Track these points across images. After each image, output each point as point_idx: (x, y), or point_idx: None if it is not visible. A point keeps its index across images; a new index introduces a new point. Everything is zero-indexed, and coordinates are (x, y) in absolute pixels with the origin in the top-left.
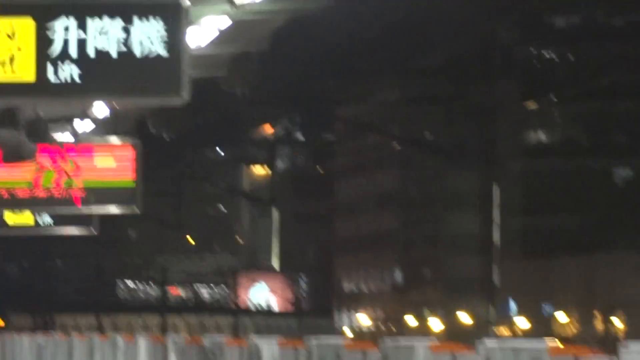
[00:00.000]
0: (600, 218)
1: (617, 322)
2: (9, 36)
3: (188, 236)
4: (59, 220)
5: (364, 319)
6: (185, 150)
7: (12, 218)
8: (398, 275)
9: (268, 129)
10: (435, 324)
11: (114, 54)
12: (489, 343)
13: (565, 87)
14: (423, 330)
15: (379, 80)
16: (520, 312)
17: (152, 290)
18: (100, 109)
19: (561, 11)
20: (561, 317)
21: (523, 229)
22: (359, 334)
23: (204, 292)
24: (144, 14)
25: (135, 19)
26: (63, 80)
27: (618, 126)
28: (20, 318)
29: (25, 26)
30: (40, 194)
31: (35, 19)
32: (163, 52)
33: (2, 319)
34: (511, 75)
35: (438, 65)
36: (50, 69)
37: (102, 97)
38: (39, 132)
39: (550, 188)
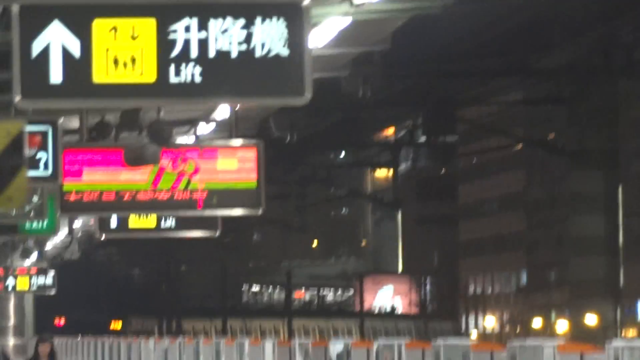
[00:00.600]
0: None
1: None
2: (132, 37)
3: (314, 240)
4: (181, 223)
5: (489, 322)
6: (308, 152)
7: (135, 221)
8: (523, 277)
9: (390, 131)
10: (561, 326)
11: (235, 54)
12: (617, 343)
13: None
14: (549, 332)
15: (502, 81)
16: None
17: (277, 294)
18: (223, 110)
19: None
20: None
21: None
22: (485, 336)
23: (329, 295)
24: (267, 13)
25: (258, 19)
26: (183, 81)
27: None
28: (146, 322)
29: (147, 27)
30: (162, 196)
31: (157, 19)
32: (285, 52)
33: (126, 323)
34: (634, 75)
35: (561, 66)
36: (171, 69)
37: (224, 98)
38: (161, 134)
39: None
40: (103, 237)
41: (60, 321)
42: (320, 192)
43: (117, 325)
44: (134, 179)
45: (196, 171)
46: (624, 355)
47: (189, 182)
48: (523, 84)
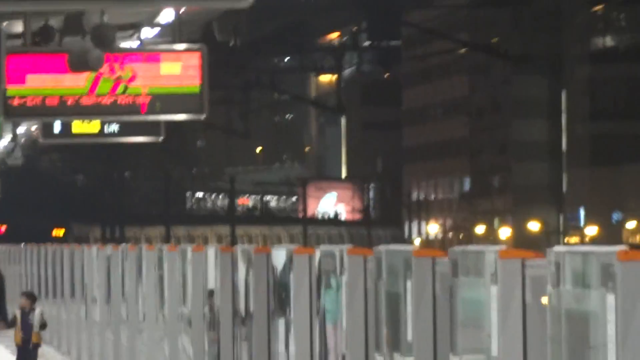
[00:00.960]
0: None
1: None
2: None
3: (257, 146)
4: (125, 128)
5: (432, 228)
6: (252, 57)
7: (79, 127)
8: (467, 184)
9: (335, 36)
10: (504, 233)
11: None
12: (559, 249)
13: None
14: (492, 239)
15: None
16: (589, 221)
17: (221, 201)
18: (167, 14)
19: None
20: (631, 224)
21: (592, 136)
22: (428, 242)
23: (273, 202)
24: None
25: None
26: None
27: None
28: (89, 230)
29: None
30: (105, 101)
31: None
32: None
33: (69, 230)
34: None
35: None
36: None
37: (168, 1)
38: (105, 39)
39: (619, 93)
40: (46, 142)
41: (1, 228)
42: (264, 97)
43: (59, 232)
44: (76, 84)
45: (133, 77)
46: (565, 260)
47: (126, 88)
48: None
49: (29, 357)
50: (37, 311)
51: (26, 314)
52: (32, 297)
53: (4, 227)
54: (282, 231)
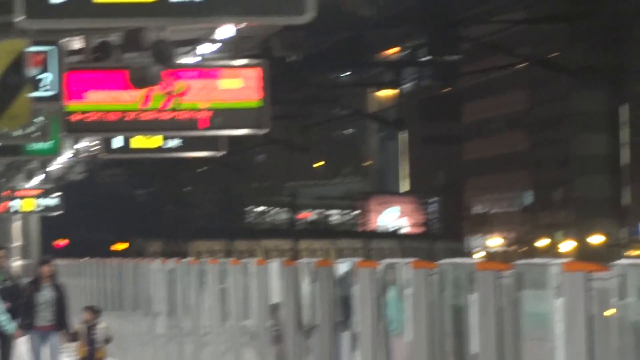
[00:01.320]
0: None
1: None
2: None
3: (318, 160)
4: (186, 143)
5: (494, 242)
6: (312, 72)
7: (139, 141)
8: (528, 197)
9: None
10: (567, 246)
11: None
12: (623, 262)
13: None
14: (554, 252)
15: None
16: None
17: (282, 215)
18: (226, 30)
19: None
20: None
21: None
22: (490, 256)
23: (334, 216)
24: None
25: None
26: (184, 0)
27: None
28: (151, 244)
29: None
30: (165, 116)
31: None
32: None
33: (131, 245)
34: None
35: None
36: None
37: (225, 17)
38: (164, 55)
39: None
40: (107, 157)
41: (63, 243)
42: (325, 112)
43: (121, 246)
44: (133, 100)
45: (187, 92)
46: (629, 274)
47: (180, 103)
48: (526, 2)
49: None
50: (102, 325)
51: (90, 328)
52: (95, 311)
53: (66, 241)
54: (344, 244)
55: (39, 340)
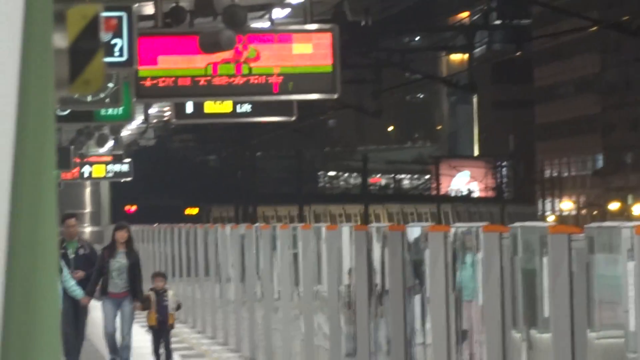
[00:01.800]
0: None
1: None
2: None
3: (389, 125)
4: (257, 108)
5: (566, 205)
6: (383, 37)
7: (211, 107)
8: (599, 160)
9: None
10: (638, 210)
11: None
12: None
13: None
14: (626, 215)
15: None
16: None
17: (353, 180)
18: None
19: None
20: None
21: None
22: (561, 219)
23: (405, 180)
24: None
25: None
26: None
27: None
28: (222, 209)
29: None
30: (237, 81)
31: None
32: None
33: (202, 210)
34: None
35: None
36: None
37: None
38: (236, 19)
39: None
40: (179, 123)
41: (132, 209)
42: (396, 76)
43: (192, 211)
44: (206, 64)
45: (258, 57)
46: None
47: (251, 69)
48: None
49: (164, 338)
50: (171, 292)
51: (160, 294)
52: (165, 278)
53: (134, 208)
54: (415, 209)
55: (112, 308)
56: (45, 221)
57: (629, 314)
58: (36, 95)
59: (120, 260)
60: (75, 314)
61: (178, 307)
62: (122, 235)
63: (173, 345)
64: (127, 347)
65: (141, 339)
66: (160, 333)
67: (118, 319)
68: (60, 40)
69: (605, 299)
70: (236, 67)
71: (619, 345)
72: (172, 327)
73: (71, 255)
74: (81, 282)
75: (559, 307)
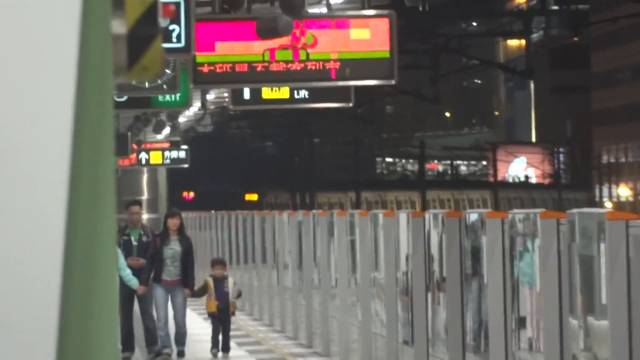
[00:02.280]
0: None
1: None
2: None
3: (446, 111)
4: (315, 94)
5: (623, 191)
6: (440, 22)
7: (268, 93)
8: None
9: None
10: None
11: None
12: None
13: None
14: None
15: None
16: None
17: (411, 166)
18: None
19: None
20: None
21: None
22: (619, 205)
23: (462, 166)
24: None
25: None
26: None
27: None
28: (279, 196)
29: None
30: (295, 67)
31: None
32: None
33: (260, 197)
34: None
35: None
36: None
37: None
38: (293, 5)
39: None
40: (236, 109)
41: (190, 195)
42: (453, 62)
43: (252, 197)
44: (263, 50)
45: (316, 43)
46: None
47: (308, 55)
48: None
49: (224, 326)
50: (231, 280)
51: (220, 281)
52: (224, 265)
53: (191, 194)
54: (472, 195)
55: (164, 295)
56: (104, 208)
57: None
58: (94, 82)
59: (173, 247)
60: (131, 304)
61: (239, 295)
62: (174, 222)
63: (230, 333)
64: (182, 334)
65: (198, 326)
66: (220, 321)
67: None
68: (119, 27)
69: None
70: (293, 53)
71: None
72: (233, 314)
73: (134, 243)
74: (141, 270)
75: (616, 294)
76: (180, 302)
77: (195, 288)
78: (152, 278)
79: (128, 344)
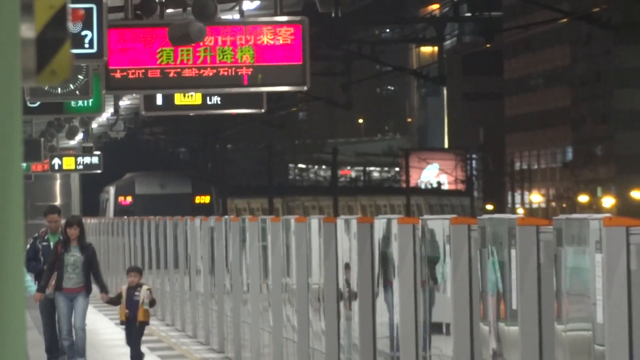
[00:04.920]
0: None
1: None
2: None
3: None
4: (227, 100)
5: (535, 198)
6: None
7: (181, 99)
8: (569, 153)
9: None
10: (608, 202)
11: None
12: None
13: None
14: (595, 208)
15: None
16: None
17: (323, 172)
18: None
19: None
20: None
21: None
22: (531, 212)
23: (375, 172)
24: None
25: None
26: None
27: None
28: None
29: None
30: (207, 73)
31: None
32: None
33: None
34: None
35: None
36: None
37: None
38: (206, 11)
39: None
40: (149, 115)
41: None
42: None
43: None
44: (177, 57)
45: (233, 50)
46: None
47: (219, 61)
48: None
49: (135, 335)
50: (145, 287)
51: (132, 289)
52: (140, 272)
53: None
54: (384, 202)
55: (66, 303)
56: (12, 213)
57: (597, 307)
58: (2, 86)
59: (75, 254)
60: (53, 311)
61: (152, 304)
62: (72, 232)
63: (142, 339)
64: (81, 340)
65: (111, 331)
66: (131, 329)
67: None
68: (27, 31)
69: (573, 291)
70: (206, 59)
71: (586, 338)
72: (145, 323)
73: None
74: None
75: (527, 300)
76: (81, 308)
77: (112, 296)
78: (54, 286)
79: (53, 350)
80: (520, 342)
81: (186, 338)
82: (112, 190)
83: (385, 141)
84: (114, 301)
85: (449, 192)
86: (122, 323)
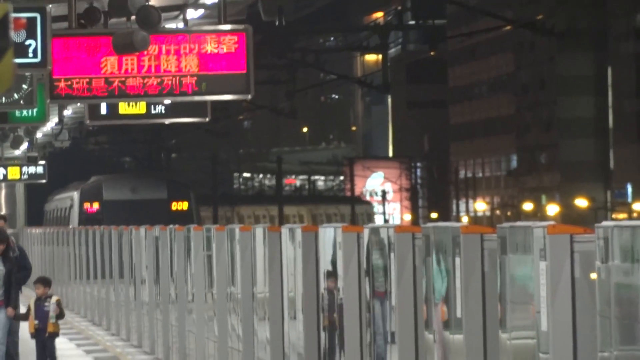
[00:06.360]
0: None
1: None
2: None
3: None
4: (171, 109)
5: (480, 206)
6: (297, 37)
7: (125, 108)
8: (514, 161)
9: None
10: (552, 210)
11: None
12: (607, 224)
13: None
14: (539, 216)
15: None
16: (637, 197)
17: (268, 181)
18: None
19: None
20: None
21: (638, 112)
22: (476, 219)
23: (320, 181)
24: None
25: None
26: None
27: None
28: None
29: None
30: (151, 82)
31: None
32: None
33: None
34: None
35: None
36: None
37: None
38: (150, 20)
39: None
40: (93, 124)
41: (94, 207)
42: (310, 77)
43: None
44: (121, 66)
45: (177, 58)
46: (614, 235)
47: (163, 70)
48: None
49: (45, 348)
50: (55, 299)
51: (41, 300)
52: (48, 283)
53: (96, 206)
54: (329, 210)
55: None
56: None
57: (541, 315)
58: None
59: None
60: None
61: (60, 316)
62: None
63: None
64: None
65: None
66: (41, 342)
67: None
68: None
69: (517, 299)
70: (149, 68)
71: (530, 346)
72: (54, 335)
73: None
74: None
75: (471, 308)
76: (2, 322)
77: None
78: None
79: None
80: (464, 351)
81: (131, 347)
82: (76, 195)
83: (329, 150)
84: (23, 317)
85: (393, 201)
86: (32, 336)
